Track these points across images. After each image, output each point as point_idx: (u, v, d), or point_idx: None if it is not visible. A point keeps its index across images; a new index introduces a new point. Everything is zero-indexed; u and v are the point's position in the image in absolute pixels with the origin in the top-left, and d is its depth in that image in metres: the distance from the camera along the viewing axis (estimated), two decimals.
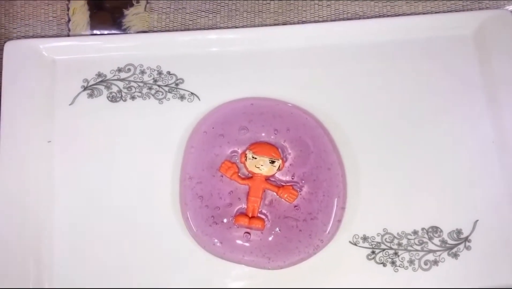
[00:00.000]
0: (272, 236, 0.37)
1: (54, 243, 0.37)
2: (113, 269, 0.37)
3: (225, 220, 0.37)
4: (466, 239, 0.37)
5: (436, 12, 0.42)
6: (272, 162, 0.37)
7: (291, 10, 0.43)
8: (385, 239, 0.37)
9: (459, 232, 0.38)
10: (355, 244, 0.37)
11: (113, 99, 0.40)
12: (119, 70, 0.40)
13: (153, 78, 0.40)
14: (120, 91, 0.40)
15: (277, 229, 0.37)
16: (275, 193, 0.37)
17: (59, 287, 0.37)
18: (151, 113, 0.40)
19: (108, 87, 0.40)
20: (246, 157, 0.37)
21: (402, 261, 0.37)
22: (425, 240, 0.37)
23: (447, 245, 0.37)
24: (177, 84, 0.40)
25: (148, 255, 0.37)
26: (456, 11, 0.42)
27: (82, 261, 0.37)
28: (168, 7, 0.42)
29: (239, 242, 0.36)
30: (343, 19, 0.42)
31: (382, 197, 0.38)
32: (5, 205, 0.37)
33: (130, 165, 0.39)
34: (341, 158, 0.38)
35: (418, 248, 0.37)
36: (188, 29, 0.42)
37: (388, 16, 0.42)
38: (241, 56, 0.41)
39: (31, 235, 0.37)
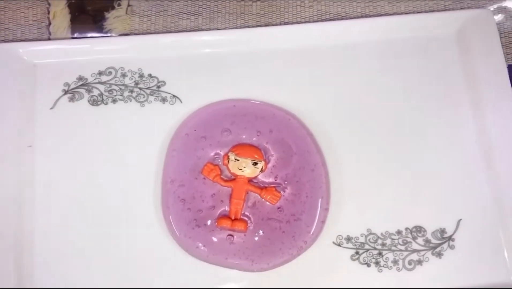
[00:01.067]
0: (256, 238, 0.36)
1: (35, 247, 0.37)
2: (96, 274, 0.37)
3: (208, 223, 0.37)
4: (450, 238, 0.37)
5: (418, 12, 0.42)
6: (255, 163, 0.37)
7: (273, 11, 0.43)
8: (369, 239, 0.37)
9: (442, 231, 0.38)
10: (339, 245, 0.37)
11: (94, 102, 0.40)
12: (100, 73, 0.40)
13: (135, 81, 0.40)
14: (101, 94, 0.40)
15: (260, 231, 0.36)
16: (258, 195, 0.37)
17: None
18: (133, 116, 0.39)
19: (89, 91, 0.40)
20: (228, 159, 0.37)
21: (386, 261, 0.37)
22: (409, 239, 0.37)
23: (431, 245, 0.37)
24: (158, 87, 0.40)
25: (132, 260, 0.37)
26: (438, 11, 0.43)
27: (64, 266, 0.37)
28: (150, 10, 0.42)
29: (222, 244, 0.36)
30: (325, 20, 0.42)
31: (365, 198, 0.38)
32: None
33: (111, 169, 0.38)
34: (324, 159, 0.38)
35: (402, 248, 0.37)
36: (170, 32, 0.42)
37: (370, 16, 0.42)
38: (223, 58, 0.40)
39: (12, 240, 0.37)
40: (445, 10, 0.43)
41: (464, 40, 0.41)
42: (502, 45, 0.41)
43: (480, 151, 0.39)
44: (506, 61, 0.41)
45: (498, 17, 0.43)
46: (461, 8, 0.42)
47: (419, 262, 0.37)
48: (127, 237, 0.37)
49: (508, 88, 0.40)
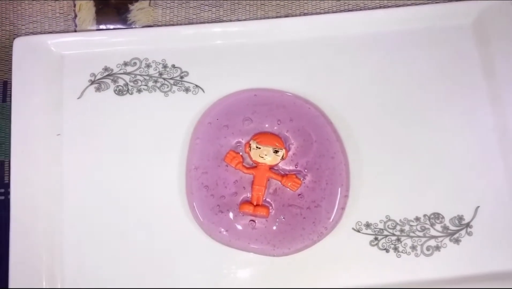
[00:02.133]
0: (277, 224, 0.37)
1: (65, 233, 0.38)
2: (123, 258, 0.38)
3: (230, 209, 0.38)
4: (468, 225, 0.38)
5: (436, 2, 0.43)
6: (276, 151, 0.37)
7: (293, 2, 0.43)
8: (388, 225, 0.38)
9: (460, 218, 0.38)
10: (358, 231, 0.38)
11: (119, 92, 0.41)
12: (125, 64, 0.41)
13: (159, 72, 0.41)
14: (126, 84, 0.41)
15: (282, 217, 0.37)
16: (279, 182, 0.38)
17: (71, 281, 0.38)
18: (157, 105, 0.40)
19: (114, 81, 0.41)
20: (250, 147, 0.38)
21: (404, 247, 0.38)
22: (427, 226, 0.38)
23: (449, 231, 0.38)
24: (182, 77, 0.41)
25: (157, 244, 0.38)
26: (456, 0, 0.43)
27: (92, 250, 0.38)
28: (172, 2, 0.43)
29: (244, 229, 0.37)
30: (344, 11, 0.43)
31: (384, 185, 0.39)
32: (18, 196, 0.38)
33: (137, 157, 0.39)
34: (344, 147, 0.39)
35: (420, 234, 0.38)
36: (192, 23, 0.43)
37: (388, 7, 0.43)
38: (244, 48, 0.41)
39: (43, 225, 0.38)
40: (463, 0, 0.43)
41: (481, 30, 0.41)
42: None
43: (497, 138, 0.40)
44: None
45: None
46: None
47: (437, 248, 0.38)
48: (152, 223, 0.38)
49: None
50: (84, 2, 0.43)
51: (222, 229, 0.37)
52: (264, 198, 0.38)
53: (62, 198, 0.39)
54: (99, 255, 0.38)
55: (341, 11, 0.43)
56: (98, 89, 0.41)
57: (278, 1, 0.43)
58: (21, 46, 0.40)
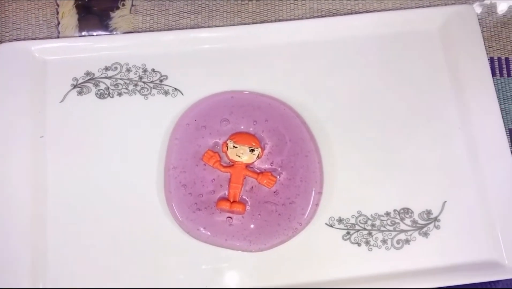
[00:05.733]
0: (253, 220, 0.39)
1: (47, 233, 0.39)
2: (105, 258, 0.39)
3: (208, 206, 0.39)
4: (436, 219, 0.40)
5: (404, 9, 0.45)
6: (252, 150, 0.39)
7: (268, 9, 0.45)
8: (359, 220, 0.40)
9: (429, 212, 0.40)
10: (331, 226, 0.40)
11: (101, 96, 0.42)
12: (107, 68, 0.43)
13: (139, 76, 0.43)
14: (107, 88, 0.42)
15: (258, 213, 0.39)
16: (255, 181, 0.39)
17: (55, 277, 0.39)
18: (137, 108, 0.42)
19: (96, 85, 0.42)
20: (227, 146, 0.39)
21: (375, 241, 0.39)
22: (397, 220, 0.40)
23: (418, 225, 0.40)
24: (161, 81, 0.43)
25: (138, 243, 0.39)
26: (424, 7, 0.45)
27: (74, 249, 0.39)
28: (152, 9, 0.45)
29: (222, 226, 0.38)
30: (317, 17, 0.45)
31: (356, 182, 0.40)
32: (2, 196, 0.39)
33: (118, 157, 0.41)
34: (317, 146, 0.41)
35: (391, 228, 0.39)
36: (171, 29, 0.45)
37: (359, 13, 0.45)
38: (221, 53, 0.43)
39: (26, 226, 0.39)
40: (430, 6, 0.45)
41: (447, 34, 0.43)
42: (484, 39, 0.43)
43: (462, 138, 0.41)
44: (487, 53, 0.43)
45: (480, 12, 0.45)
46: (445, 5, 0.45)
47: (407, 241, 0.39)
48: (132, 221, 0.39)
49: (489, 78, 0.42)
50: (67, 10, 0.45)
51: (200, 226, 0.38)
52: (240, 196, 0.39)
53: (45, 199, 0.40)
54: (81, 255, 0.39)
55: (314, 17, 0.45)
56: (80, 93, 0.42)
57: (254, 8, 0.45)
58: (5, 52, 0.42)
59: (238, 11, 0.45)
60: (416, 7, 0.45)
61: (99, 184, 0.40)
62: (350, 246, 0.39)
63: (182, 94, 0.42)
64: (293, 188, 0.39)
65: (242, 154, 0.39)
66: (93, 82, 0.42)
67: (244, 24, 0.45)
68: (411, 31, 0.44)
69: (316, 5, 0.45)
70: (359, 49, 0.44)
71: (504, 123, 0.41)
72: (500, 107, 0.41)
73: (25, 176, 0.40)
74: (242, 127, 0.40)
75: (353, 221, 0.40)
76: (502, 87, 0.44)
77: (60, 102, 0.42)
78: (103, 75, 0.43)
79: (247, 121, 0.40)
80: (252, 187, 0.39)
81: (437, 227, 0.40)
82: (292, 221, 0.39)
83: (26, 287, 0.38)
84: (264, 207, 0.39)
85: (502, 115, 0.41)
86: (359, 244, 0.39)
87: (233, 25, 0.45)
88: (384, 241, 0.39)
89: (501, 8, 0.46)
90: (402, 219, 0.40)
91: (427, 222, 0.40)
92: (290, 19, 0.45)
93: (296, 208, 0.39)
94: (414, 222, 0.40)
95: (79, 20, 0.45)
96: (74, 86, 0.42)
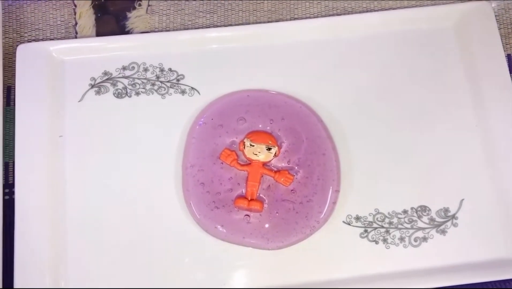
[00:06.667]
0: (271, 218, 0.39)
1: (68, 232, 0.40)
2: (125, 258, 0.39)
3: (226, 204, 0.39)
4: (453, 217, 0.40)
5: (420, 6, 0.45)
6: (269, 149, 0.39)
7: (283, 8, 0.45)
8: (377, 218, 0.40)
9: (446, 210, 0.40)
10: (349, 224, 0.40)
11: (118, 95, 0.43)
12: (124, 68, 0.43)
13: (156, 75, 0.43)
14: (125, 87, 0.43)
15: (275, 211, 0.39)
16: (272, 179, 0.39)
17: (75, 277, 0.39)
18: (155, 107, 0.42)
19: (114, 84, 0.43)
20: (244, 145, 0.39)
21: (393, 239, 0.39)
22: (414, 218, 0.40)
23: (435, 223, 0.40)
24: (178, 80, 0.43)
25: (156, 241, 0.39)
26: (440, 4, 0.45)
27: (95, 249, 0.39)
28: (168, 9, 0.45)
29: (239, 224, 0.39)
30: (333, 15, 0.45)
31: (373, 180, 0.41)
32: (22, 196, 0.40)
33: (135, 156, 0.41)
34: (334, 144, 0.41)
35: (408, 226, 0.40)
36: (187, 29, 0.45)
37: (375, 11, 0.45)
38: (237, 51, 0.43)
39: (47, 225, 0.39)
40: (446, 3, 0.45)
41: (463, 32, 0.43)
42: (501, 36, 0.43)
43: (479, 135, 0.41)
44: (504, 50, 0.43)
45: (497, 9, 0.45)
46: (462, 2, 0.45)
47: (424, 239, 0.39)
48: (150, 220, 0.40)
49: (507, 76, 0.42)
50: (84, 10, 0.45)
51: (218, 224, 0.39)
52: (258, 194, 0.39)
53: (65, 198, 0.40)
54: (102, 255, 0.39)
55: (329, 15, 0.45)
56: (98, 93, 0.43)
57: (270, 7, 0.45)
58: (24, 53, 0.42)
59: (254, 10, 0.45)
60: (432, 5, 0.45)
61: (118, 182, 0.41)
62: (368, 244, 0.39)
63: (199, 93, 0.43)
64: (310, 186, 0.39)
65: (259, 153, 0.39)
66: (111, 81, 0.43)
67: (260, 23, 0.45)
68: (427, 29, 0.44)
69: (331, 4, 0.45)
70: (375, 47, 0.44)
71: None
72: None
73: (45, 175, 0.40)
74: (259, 125, 0.41)
75: (370, 219, 0.40)
76: None
77: (79, 101, 0.42)
78: (120, 75, 0.43)
79: (264, 119, 0.41)
80: (269, 185, 0.40)
81: (455, 225, 0.40)
82: (309, 219, 0.39)
83: (48, 287, 0.38)
84: (282, 205, 0.39)
85: None
86: (376, 242, 0.39)
87: (249, 23, 0.45)
88: (401, 239, 0.39)
89: None
90: (419, 217, 0.40)
91: (444, 219, 0.40)
92: (306, 18, 0.45)
93: (313, 206, 0.39)
94: (432, 219, 0.40)
95: (96, 20, 0.45)
96: (92, 86, 0.43)
